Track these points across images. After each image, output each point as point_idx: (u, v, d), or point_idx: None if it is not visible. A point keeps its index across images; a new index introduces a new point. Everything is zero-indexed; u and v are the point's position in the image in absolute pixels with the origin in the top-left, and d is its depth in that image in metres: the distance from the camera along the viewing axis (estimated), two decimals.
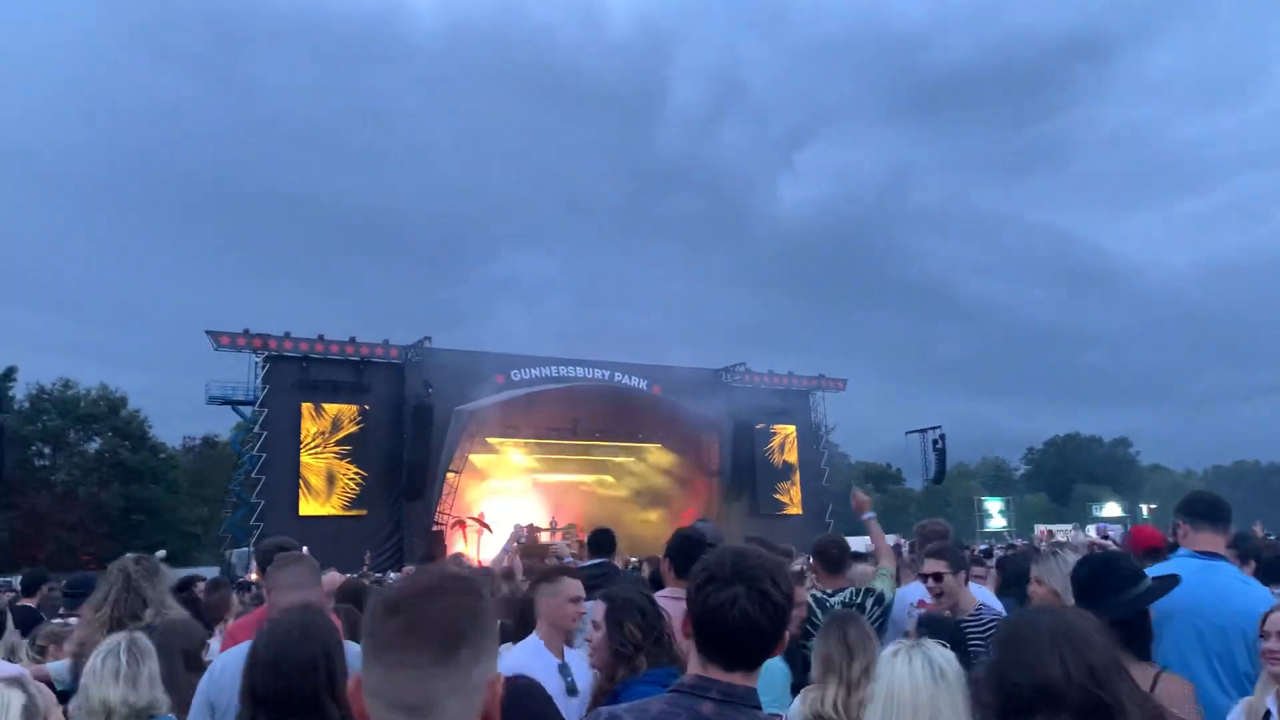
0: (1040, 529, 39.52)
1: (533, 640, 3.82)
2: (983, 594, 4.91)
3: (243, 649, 3.29)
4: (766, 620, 1.80)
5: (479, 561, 11.62)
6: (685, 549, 5.83)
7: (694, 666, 1.87)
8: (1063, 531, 37.35)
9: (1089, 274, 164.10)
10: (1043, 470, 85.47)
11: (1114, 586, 3.12)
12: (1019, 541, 30.23)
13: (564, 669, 3.65)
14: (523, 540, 6.33)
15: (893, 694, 2.49)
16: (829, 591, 4.76)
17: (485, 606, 1.35)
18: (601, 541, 6.19)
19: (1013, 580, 6.57)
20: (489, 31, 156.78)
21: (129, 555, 4.48)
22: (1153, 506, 49.65)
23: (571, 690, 3.56)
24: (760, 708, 1.84)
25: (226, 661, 3.32)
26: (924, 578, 4.40)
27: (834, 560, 4.92)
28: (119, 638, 3.35)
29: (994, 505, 46.55)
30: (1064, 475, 79.22)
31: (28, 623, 6.44)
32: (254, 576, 18.25)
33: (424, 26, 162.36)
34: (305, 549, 9.20)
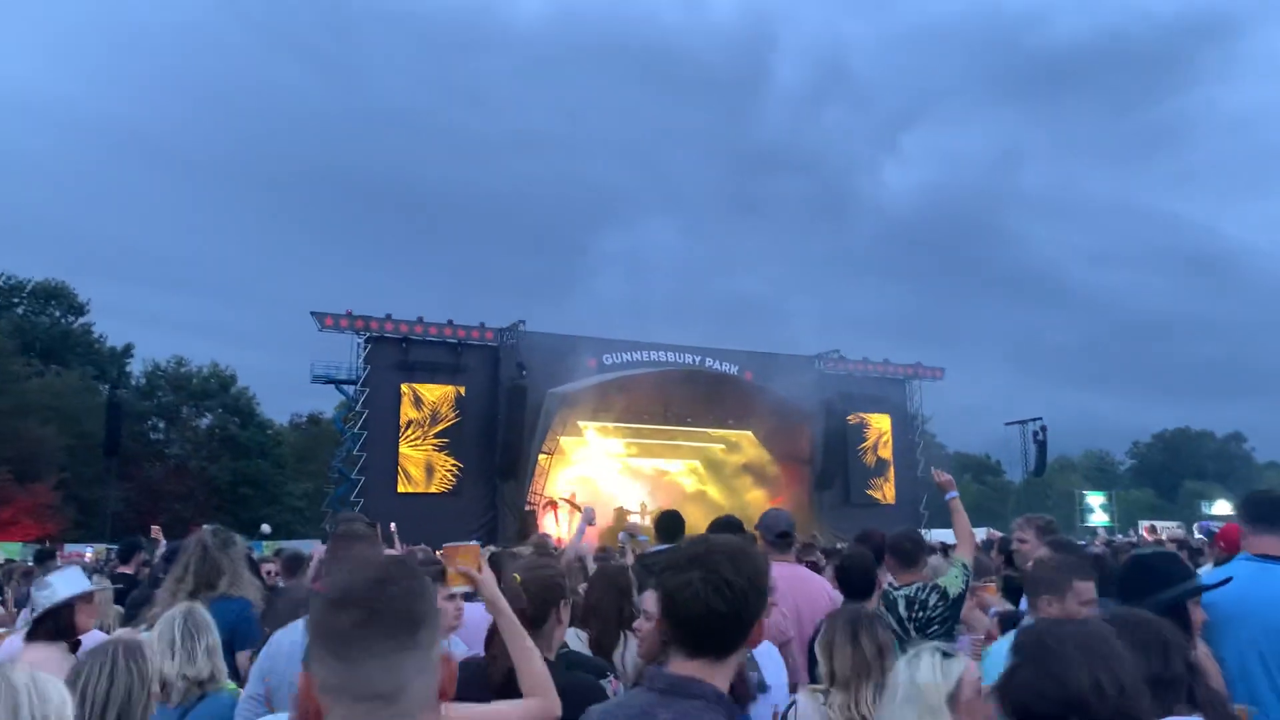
0: (1144, 525, 38.29)
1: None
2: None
3: (296, 625, 3.34)
4: (724, 605, 1.76)
5: (559, 540, 11.82)
6: (668, 526, 5.76)
7: (670, 658, 1.85)
8: (1167, 528, 36.16)
9: (1207, 262, 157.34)
10: (1149, 465, 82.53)
11: (1150, 586, 3.04)
12: (1118, 538, 29.35)
13: (750, 662, 3.44)
14: (593, 523, 6.25)
15: (912, 697, 2.44)
16: (896, 586, 4.72)
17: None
18: (669, 525, 5.99)
19: (1107, 579, 6.36)
20: (591, 15, 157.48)
21: (207, 527, 4.61)
22: None
23: (761, 686, 3.42)
24: (700, 696, 1.76)
25: (281, 637, 3.35)
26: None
27: (907, 554, 4.83)
28: (176, 610, 3.36)
29: (1096, 499, 45.22)
30: (1172, 471, 76.37)
31: (124, 590, 6.67)
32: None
33: (527, 11, 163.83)
34: (394, 526, 9.38)
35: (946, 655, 2.43)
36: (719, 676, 1.81)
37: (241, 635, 4.05)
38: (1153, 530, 31.55)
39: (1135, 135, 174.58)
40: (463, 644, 3.71)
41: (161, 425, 50.46)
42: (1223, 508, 50.89)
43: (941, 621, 4.45)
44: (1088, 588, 3.30)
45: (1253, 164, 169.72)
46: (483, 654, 2.99)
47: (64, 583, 3.76)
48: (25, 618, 3.77)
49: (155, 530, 10.13)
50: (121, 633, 3.62)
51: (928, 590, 4.55)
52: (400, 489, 29.61)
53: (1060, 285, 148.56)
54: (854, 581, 4.60)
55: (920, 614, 4.45)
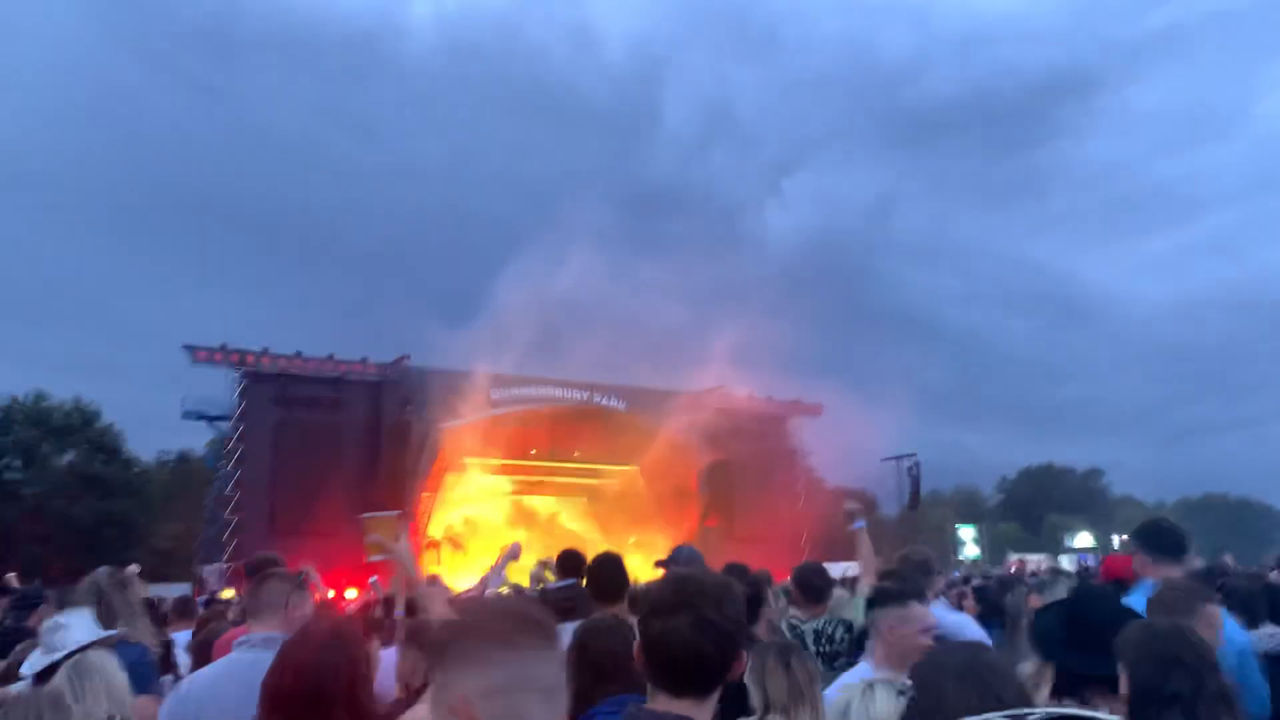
0: (1012, 558, 39.87)
1: (864, 669, 3.46)
2: (965, 623, 4.97)
3: (215, 668, 3.30)
4: (711, 647, 1.79)
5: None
6: (569, 563, 5.86)
7: (649, 697, 1.87)
8: (1034, 561, 37.75)
9: (1067, 306, 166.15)
10: (1016, 499, 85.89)
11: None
12: (995, 570, 30.48)
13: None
14: (516, 558, 6.26)
15: None
16: (803, 619, 4.84)
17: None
18: (571, 563, 6.07)
19: (993, 610, 6.65)
20: (482, 49, 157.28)
21: (103, 569, 4.46)
22: (1124, 537, 50.08)
23: None
24: None
25: (195, 680, 3.30)
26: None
27: (816, 590, 4.97)
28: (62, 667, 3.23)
29: (967, 533, 46.83)
30: (1037, 505, 79.65)
31: None
32: (228, 594, 18.21)
33: (417, 43, 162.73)
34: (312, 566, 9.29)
35: (900, 692, 2.41)
36: (704, 714, 1.84)
37: (140, 680, 3.94)
38: (1021, 563, 32.95)
39: (1002, 183, 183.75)
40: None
41: (18, 464, 47.78)
42: (1085, 539, 53.46)
43: (848, 654, 4.52)
44: (1214, 612, 3.31)
45: (1107, 214, 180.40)
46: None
47: (79, 625, 3.65)
48: (33, 660, 3.58)
49: (8, 578, 9.58)
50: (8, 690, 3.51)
51: (834, 624, 4.69)
52: (279, 528, 28.70)
53: (932, 325, 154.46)
54: None
55: (828, 647, 4.57)
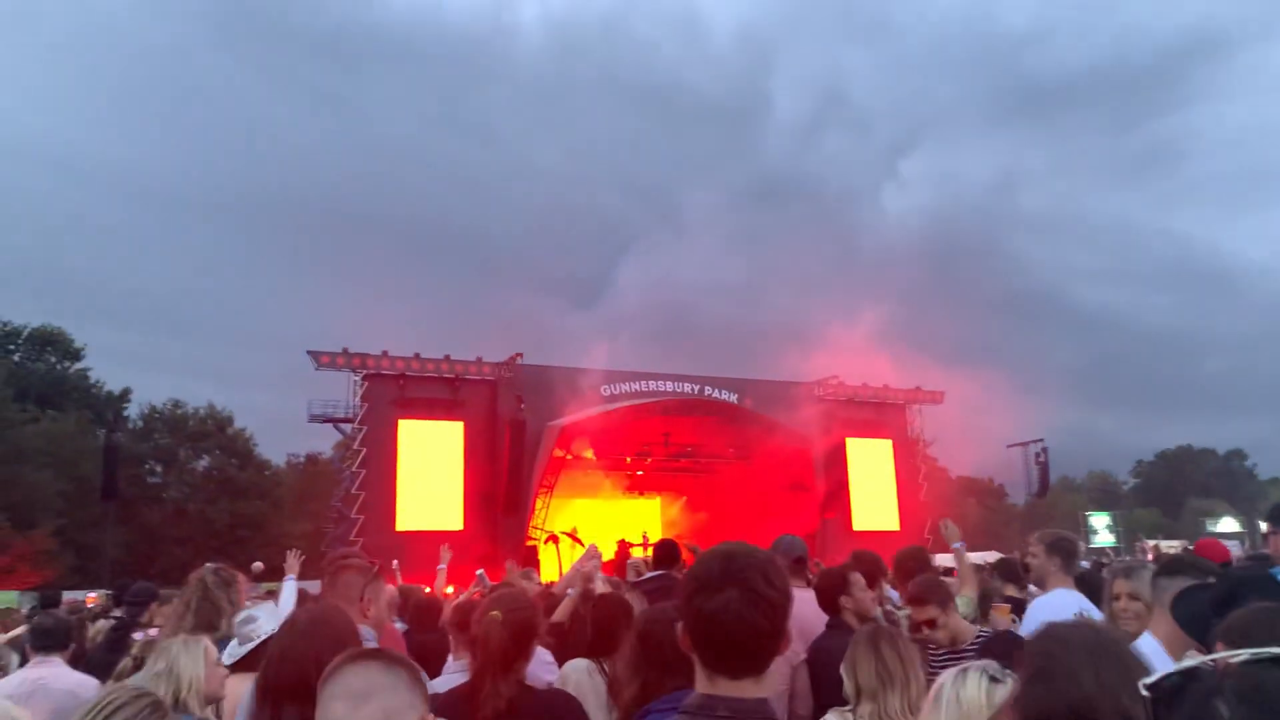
0: (1144, 543, 38.07)
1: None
2: (1091, 610, 4.64)
3: None
4: (765, 620, 1.72)
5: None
6: (664, 554, 5.79)
7: (700, 683, 1.78)
8: (1171, 547, 35.92)
9: (1207, 278, 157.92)
10: (1153, 484, 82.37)
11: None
12: (1126, 558, 29.18)
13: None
14: (597, 562, 6.21)
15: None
16: (900, 605, 4.68)
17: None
18: (664, 554, 6.12)
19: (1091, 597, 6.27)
20: (592, 48, 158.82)
21: (208, 565, 4.50)
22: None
23: None
24: (775, 716, 1.73)
25: None
26: (915, 627, 4.24)
27: (910, 573, 4.80)
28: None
29: (1100, 520, 44.96)
30: (1175, 489, 76.20)
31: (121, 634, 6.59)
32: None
33: (528, 45, 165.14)
34: (396, 563, 9.40)
35: (994, 679, 2.34)
36: (767, 692, 1.76)
37: None
38: (1157, 550, 31.45)
39: (1133, 154, 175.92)
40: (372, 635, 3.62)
41: (159, 468, 50.25)
42: (1229, 524, 50.73)
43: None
44: None
45: (1250, 180, 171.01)
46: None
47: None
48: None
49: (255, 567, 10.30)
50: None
51: None
52: (400, 527, 29.35)
53: (1061, 305, 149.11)
54: (821, 602, 4.61)
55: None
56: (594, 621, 4.16)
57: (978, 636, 4.25)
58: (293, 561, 6.38)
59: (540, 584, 7.65)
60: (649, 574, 6.08)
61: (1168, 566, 3.41)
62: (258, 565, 11.11)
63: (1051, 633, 1.96)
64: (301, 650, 2.40)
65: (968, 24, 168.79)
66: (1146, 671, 1.79)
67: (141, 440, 48.93)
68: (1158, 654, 3.00)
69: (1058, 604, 4.77)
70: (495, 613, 3.07)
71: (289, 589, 6.07)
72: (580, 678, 3.70)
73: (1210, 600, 2.87)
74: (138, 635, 5.53)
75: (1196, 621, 2.86)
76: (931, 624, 4.12)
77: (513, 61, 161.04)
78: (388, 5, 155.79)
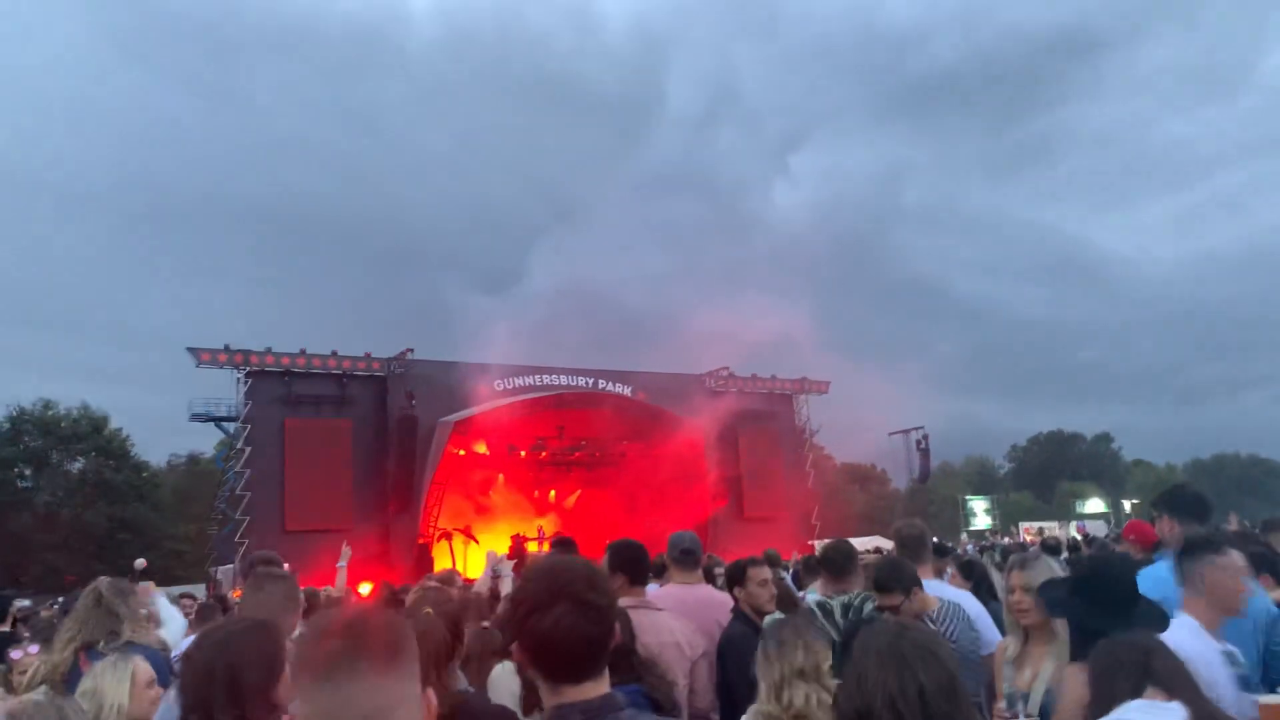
0: (1025, 526, 39.88)
1: (1188, 622, 3.27)
2: (965, 599, 4.89)
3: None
4: (595, 627, 1.80)
5: (465, 576, 11.66)
6: (630, 557, 5.93)
7: (546, 696, 1.84)
8: (1048, 528, 37.70)
9: (1078, 270, 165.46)
10: (1027, 468, 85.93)
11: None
12: (1005, 540, 30.47)
13: (1230, 657, 3.15)
14: (499, 569, 6.26)
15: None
16: (830, 595, 4.85)
17: (408, 627, 1.45)
18: (565, 550, 6.15)
19: (983, 584, 6.60)
20: (485, 39, 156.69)
21: (103, 577, 4.44)
22: (1135, 502, 50.12)
23: (1245, 684, 3.13)
24: (623, 706, 1.81)
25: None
26: (880, 610, 4.37)
27: (837, 566, 4.97)
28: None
29: (979, 504, 46.83)
30: (1047, 472, 79.67)
31: None
32: (237, 594, 18.26)
33: (420, 35, 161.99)
34: (287, 566, 9.36)
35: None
36: (605, 688, 1.84)
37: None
38: (1039, 533, 32.96)
39: (1009, 150, 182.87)
40: None
41: (29, 472, 47.99)
42: (1096, 505, 53.43)
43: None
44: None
45: (1118, 176, 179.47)
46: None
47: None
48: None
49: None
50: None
51: (860, 597, 4.66)
52: (288, 527, 28.76)
53: (942, 296, 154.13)
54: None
55: (856, 618, 4.56)
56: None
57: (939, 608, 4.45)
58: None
59: (463, 585, 7.64)
60: None
61: (1191, 547, 3.49)
62: (140, 562, 10.82)
63: (860, 638, 2.17)
64: (211, 663, 2.38)
65: (853, 23, 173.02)
66: (936, 672, 2.01)
67: (9, 443, 46.65)
68: (1196, 633, 3.17)
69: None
70: (428, 609, 3.08)
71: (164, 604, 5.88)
72: (509, 680, 3.70)
73: (1069, 585, 3.34)
74: (15, 654, 5.42)
75: (1057, 604, 3.34)
76: (895, 609, 4.24)
77: (404, 52, 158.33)
78: None
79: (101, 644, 3.94)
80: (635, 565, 4.41)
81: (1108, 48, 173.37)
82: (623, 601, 4.20)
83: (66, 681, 3.80)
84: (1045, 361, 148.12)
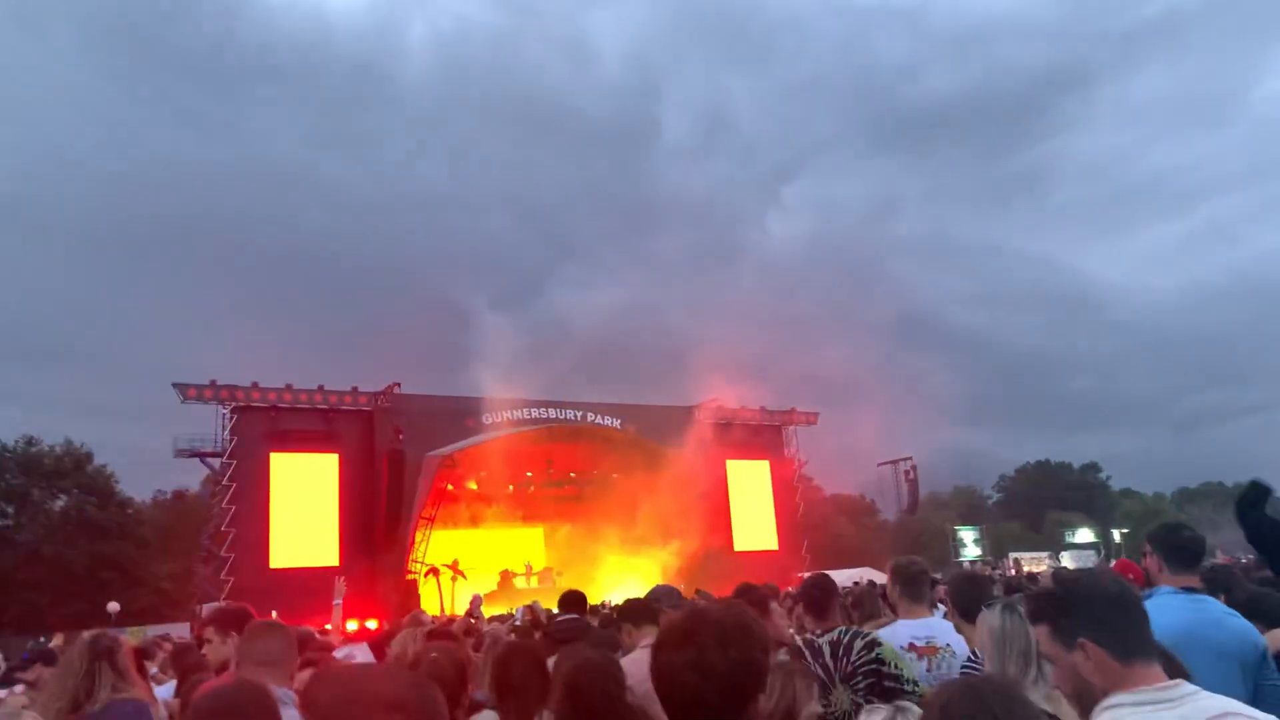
0: (1012, 558, 39.77)
1: None
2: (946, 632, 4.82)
3: None
4: (710, 687, 1.73)
5: (450, 614, 11.50)
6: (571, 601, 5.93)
7: None
8: (1036, 559, 37.61)
9: (1071, 300, 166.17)
10: (1015, 498, 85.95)
11: None
12: (995, 572, 30.37)
13: None
14: (478, 615, 6.22)
15: None
16: (819, 633, 4.70)
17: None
18: (572, 602, 6.16)
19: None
20: (479, 69, 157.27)
21: (86, 635, 4.37)
22: (1124, 531, 50.06)
23: None
24: None
25: None
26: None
27: (817, 602, 4.84)
28: None
29: (968, 535, 46.71)
30: (1036, 502, 79.68)
31: None
32: (201, 640, 18.01)
33: (414, 65, 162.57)
34: (275, 613, 9.18)
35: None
36: None
37: None
38: (1017, 565, 32.90)
39: (1001, 181, 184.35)
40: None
41: (10, 510, 47.43)
42: (1085, 535, 53.39)
43: (866, 674, 4.29)
44: None
45: (1108, 205, 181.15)
46: None
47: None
48: None
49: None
50: None
51: (849, 634, 4.44)
52: (273, 564, 28.48)
53: (934, 327, 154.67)
54: None
55: (845, 658, 4.32)
56: (497, 676, 3.70)
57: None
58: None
59: (430, 622, 7.54)
60: (561, 617, 6.08)
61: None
62: (113, 606, 10.66)
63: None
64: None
65: (847, 55, 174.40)
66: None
67: None
68: None
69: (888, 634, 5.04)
70: (435, 654, 3.07)
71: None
72: None
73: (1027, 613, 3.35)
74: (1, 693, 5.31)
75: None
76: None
77: (399, 83, 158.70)
78: (270, 25, 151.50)
79: (85, 706, 3.85)
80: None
81: (1099, 79, 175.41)
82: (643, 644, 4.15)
83: None
84: (1037, 390, 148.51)
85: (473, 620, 6.21)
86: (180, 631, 21.26)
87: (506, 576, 27.30)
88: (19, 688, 5.53)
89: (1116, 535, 49.48)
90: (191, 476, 49.30)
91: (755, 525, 37.55)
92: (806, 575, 5.59)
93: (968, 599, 4.48)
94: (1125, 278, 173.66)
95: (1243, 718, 1.88)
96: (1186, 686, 1.94)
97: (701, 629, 1.79)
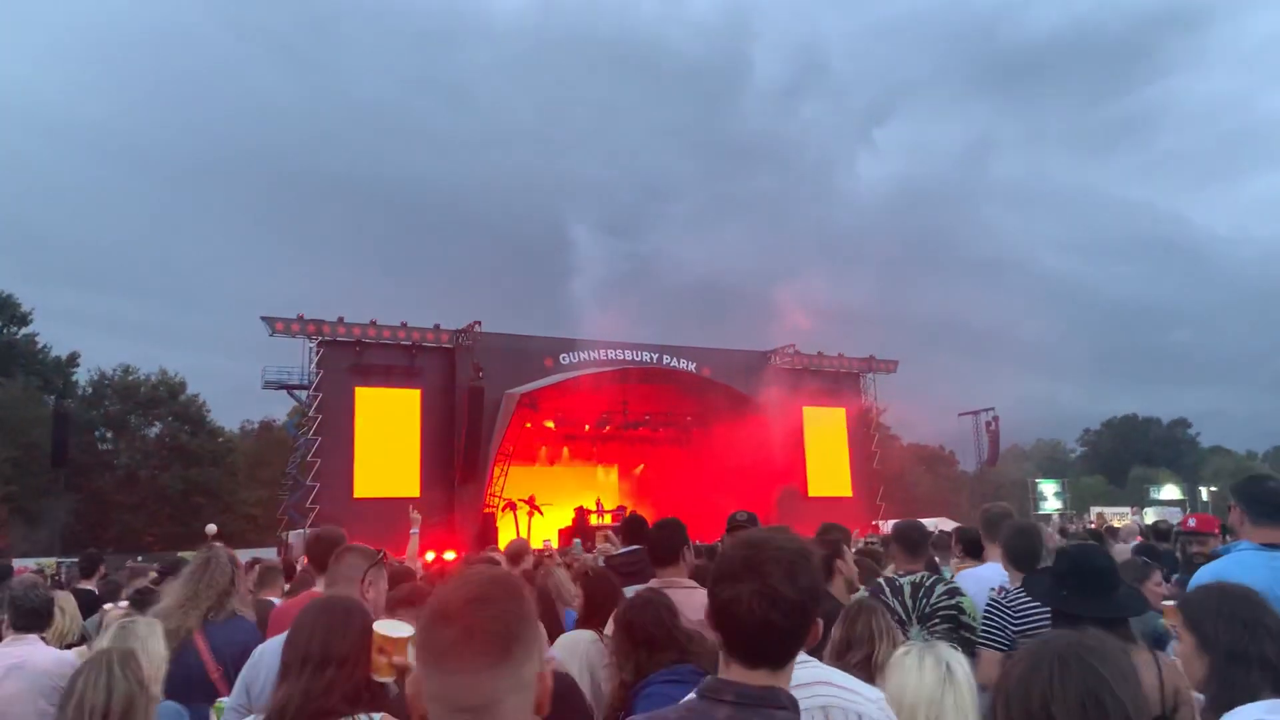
0: (1095, 511, 39.00)
1: None
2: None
3: (280, 639, 3.34)
4: (779, 617, 1.71)
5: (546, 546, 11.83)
6: (632, 529, 5.87)
7: (720, 665, 1.81)
8: (1119, 515, 36.86)
9: (1172, 249, 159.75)
10: (1099, 452, 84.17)
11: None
12: (1072, 526, 29.80)
13: None
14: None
15: (901, 696, 2.49)
16: (901, 574, 4.76)
17: (530, 607, 1.41)
18: (635, 528, 5.99)
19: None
20: (570, 8, 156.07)
21: (217, 545, 4.62)
22: (1213, 489, 48.63)
23: None
24: (785, 707, 1.72)
25: (266, 648, 3.34)
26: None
27: (913, 544, 4.90)
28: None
29: (1049, 488, 45.94)
30: (1120, 457, 77.91)
31: (88, 606, 6.57)
32: (304, 562, 18.60)
33: (506, 5, 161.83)
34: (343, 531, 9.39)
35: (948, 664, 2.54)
36: (782, 683, 1.77)
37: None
38: (1100, 519, 32.23)
39: (1105, 125, 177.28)
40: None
41: (109, 435, 49.50)
42: (1171, 492, 52.07)
43: (945, 619, 4.45)
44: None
45: (1219, 152, 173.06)
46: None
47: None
48: None
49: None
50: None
51: (930, 579, 4.58)
52: (357, 494, 29.26)
53: (1028, 274, 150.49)
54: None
55: (925, 600, 4.48)
56: (587, 597, 4.32)
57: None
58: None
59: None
60: (621, 550, 6.08)
61: None
62: (211, 527, 11.06)
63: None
64: (315, 628, 2.59)
65: None
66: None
67: (91, 407, 48.15)
68: None
69: (978, 576, 5.15)
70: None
71: None
72: (588, 648, 3.92)
73: (1052, 575, 3.65)
74: (108, 606, 5.55)
75: (1043, 594, 3.68)
76: None
77: (490, 21, 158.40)
78: None
79: (211, 616, 4.07)
80: (661, 545, 4.52)
81: (1212, 20, 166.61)
82: (653, 581, 4.26)
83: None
84: (1128, 343, 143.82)
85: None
86: (269, 556, 22.01)
87: (581, 513, 27.65)
88: (123, 603, 5.77)
89: (1204, 493, 48.12)
90: (279, 408, 50.83)
91: (830, 472, 37.38)
92: (895, 522, 5.59)
93: (1020, 550, 4.54)
94: (1230, 228, 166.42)
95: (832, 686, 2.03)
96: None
97: (768, 559, 1.76)
